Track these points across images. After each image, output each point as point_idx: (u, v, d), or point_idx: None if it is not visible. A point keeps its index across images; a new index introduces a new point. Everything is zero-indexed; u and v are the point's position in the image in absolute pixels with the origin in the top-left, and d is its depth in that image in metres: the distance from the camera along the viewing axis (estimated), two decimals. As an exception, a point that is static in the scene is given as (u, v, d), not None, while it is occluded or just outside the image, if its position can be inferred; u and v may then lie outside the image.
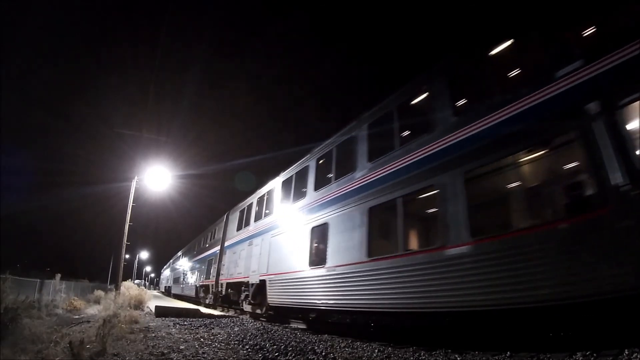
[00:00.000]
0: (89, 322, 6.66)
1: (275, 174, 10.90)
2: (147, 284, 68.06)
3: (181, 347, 4.61)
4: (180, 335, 5.60)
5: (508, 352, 3.58)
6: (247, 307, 10.24)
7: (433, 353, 4.08)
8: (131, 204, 14.13)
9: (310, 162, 8.64)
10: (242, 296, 10.63)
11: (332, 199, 7.14)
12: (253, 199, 11.98)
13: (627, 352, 2.75)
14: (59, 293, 12.45)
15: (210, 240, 17.04)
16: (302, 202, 8.34)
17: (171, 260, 34.55)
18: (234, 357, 4.19)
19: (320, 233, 7.31)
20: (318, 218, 7.41)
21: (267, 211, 10.50)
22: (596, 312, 3.25)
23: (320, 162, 8.27)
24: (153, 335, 5.57)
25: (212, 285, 14.10)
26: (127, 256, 24.96)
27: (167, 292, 31.92)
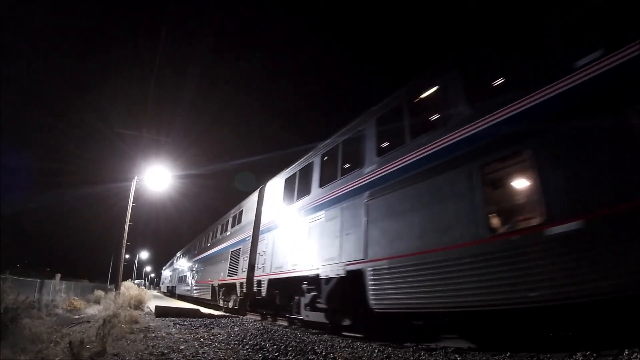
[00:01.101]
0: (89, 322, 6.67)
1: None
2: (147, 284, 68.11)
3: (181, 347, 4.61)
4: (180, 335, 5.60)
5: (508, 352, 3.58)
6: (310, 315, 6.81)
7: (433, 353, 4.08)
8: (131, 204, 14.16)
9: (447, 74, 5.07)
10: (304, 299, 6.99)
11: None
12: (316, 155, 7.86)
13: (627, 352, 2.75)
14: (59, 293, 12.46)
15: (233, 226, 13.03)
16: (440, 135, 4.79)
17: (175, 257, 30.58)
18: (234, 357, 4.19)
19: (513, 170, 4.13)
20: (500, 144, 4.03)
21: (351, 165, 6.65)
22: (597, 313, 3.25)
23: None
24: (153, 335, 5.57)
25: (242, 283, 10.27)
26: (127, 256, 24.93)
27: (171, 293, 28.69)
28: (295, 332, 6.53)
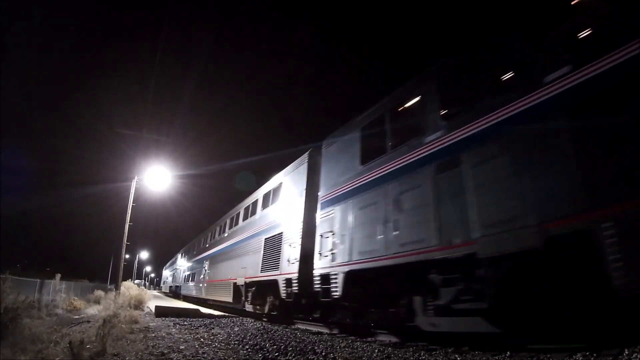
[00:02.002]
0: (89, 322, 6.68)
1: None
2: (147, 284, 68.20)
3: (181, 347, 4.61)
4: (180, 335, 5.60)
5: (508, 352, 3.58)
6: (442, 323, 4.33)
7: (433, 353, 4.08)
8: (131, 204, 14.17)
9: None
10: (434, 297, 4.40)
11: None
12: (429, 82, 5.24)
13: (627, 352, 2.75)
14: (59, 293, 12.47)
15: (267, 206, 10.03)
16: None
17: (179, 254, 27.68)
18: (234, 357, 4.19)
19: None
20: None
21: (522, 74, 4.03)
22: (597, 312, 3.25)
23: None
24: (153, 335, 5.57)
25: (288, 280, 7.55)
26: (127, 256, 24.96)
27: (174, 294, 26.10)
28: (295, 332, 6.52)
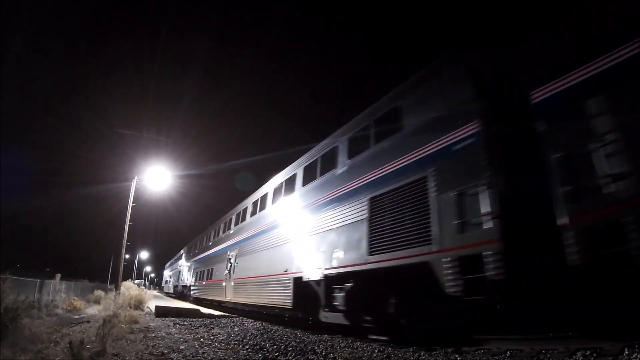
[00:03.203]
0: (89, 322, 6.67)
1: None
2: (147, 284, 68.21)
3: (181, 347, 4.61)
4: (180, 335, 5.60)
5: (508, 353, 3.58)
6: None
7: (433, 353, 4.08)
8: (131, 204, 14.17)
9: None
10: None
11: None
12: None
13: (627, 352, 2.75)
14: (59, 293, 12.49)
15: (361, 150, 6.10)
16: None
17: (186, 249, 23.55)
18: (234, 357, 4.19)
19: None
20: None
21: None
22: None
23: None
24: (153, 335, 5.58)
25: (469, 259, 3.74)
26: (127, 256, 24.92)
27: (179, 295, 22.55)
28: (295, 332, 6.52)
